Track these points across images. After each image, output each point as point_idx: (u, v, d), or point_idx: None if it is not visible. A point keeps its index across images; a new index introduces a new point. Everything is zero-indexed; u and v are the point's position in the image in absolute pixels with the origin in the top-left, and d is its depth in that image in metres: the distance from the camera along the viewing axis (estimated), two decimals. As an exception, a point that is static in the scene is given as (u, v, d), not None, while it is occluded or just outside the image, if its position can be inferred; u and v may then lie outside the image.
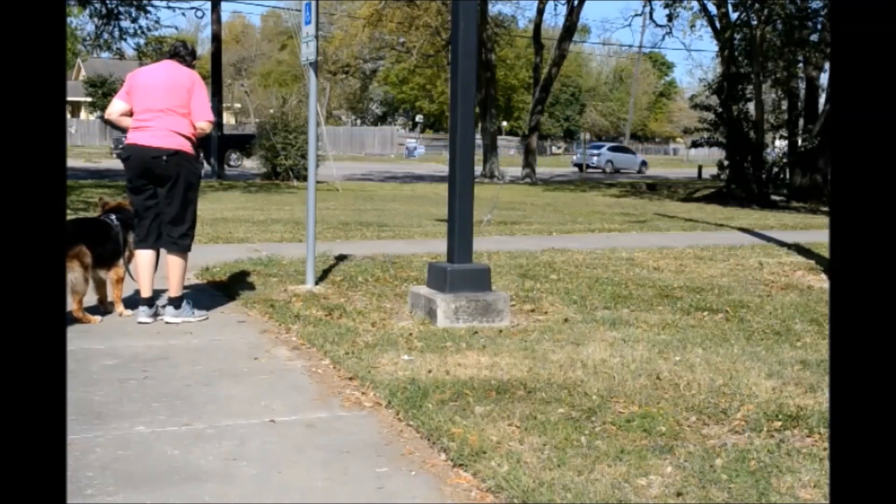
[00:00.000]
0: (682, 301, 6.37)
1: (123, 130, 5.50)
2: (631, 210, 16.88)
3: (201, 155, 5.54)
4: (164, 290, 5.58)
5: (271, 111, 22.66)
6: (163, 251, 5.51)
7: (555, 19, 72.83)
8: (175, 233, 5.41)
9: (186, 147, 5.35)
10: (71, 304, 5.18)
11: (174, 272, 5.44)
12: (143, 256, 5.44)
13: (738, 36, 21.66)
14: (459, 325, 5.32)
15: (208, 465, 3.08)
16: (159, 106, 5.30)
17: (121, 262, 5.58)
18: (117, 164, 31.11)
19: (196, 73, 5.55)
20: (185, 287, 5.63)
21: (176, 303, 5.44)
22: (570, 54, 36.39)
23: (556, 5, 47.29)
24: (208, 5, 26.10)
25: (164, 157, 5.25)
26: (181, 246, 5.44)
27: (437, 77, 49.57)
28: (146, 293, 5.42)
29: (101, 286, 5.65)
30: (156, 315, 5.46)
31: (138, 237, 5.47)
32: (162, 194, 5.36)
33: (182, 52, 5.54)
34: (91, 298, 5.55)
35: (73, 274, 5.16)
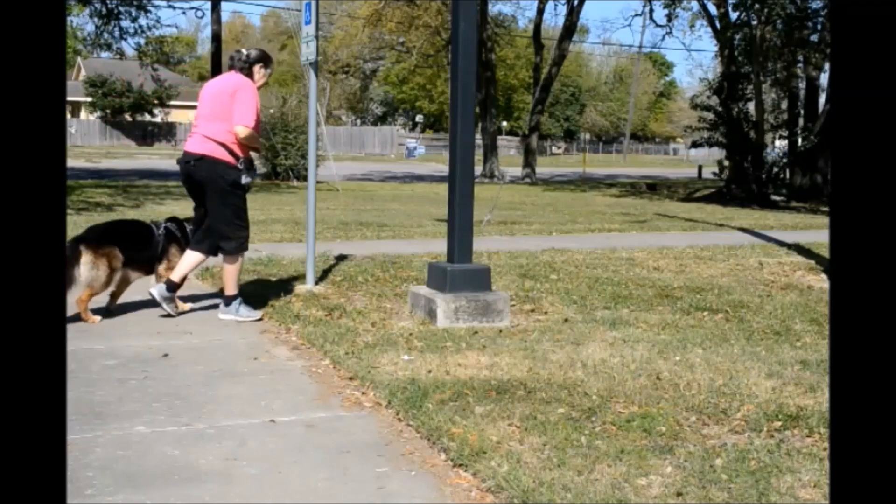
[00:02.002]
0: (682, 301, 6.37)
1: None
2: (631, 210, 16.88)
3: (240, 160, 5.41)
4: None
5: (271, 111, 22.62)
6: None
7: (555, 19, 72.91)
8: (218, 238, 5.52)
9: (216, 153, 5.36)
10: (80, 295, 5.20)
11: (224, 274, 5.61)
12: (189, 254, 5.60)
13: (738, 36, 21.64)
14: (459, 325, 5.32)
15: (208, 465, 3.08)
16: (203, 113, 5.46)
17: (159, 267, 5.67)
18: (117, 165, 31.11)
19: (244, 79, 5.49)
20: (235, 286, 5.64)
21: (227, 301, 5.58)
22: (570, 54, 36.38)
23: (556, 5, 47.31)
24: (208, 5, 26.11)
25: (192, 162, 5.38)
26: (226, 249, 5.53)
27: (437, 77, 49.60)
28: (175, 278, 5.51)
29: (122, 285, 5.66)
30: (168, 300, 5.51)
31: (193, 240, 5.66)
32: (203, 199, 5.52)
33: (236, 64, 5.55)
34: (97, 300, 5.54)
35: (97, 272, 5.22)
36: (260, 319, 5.58)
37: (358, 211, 14.35)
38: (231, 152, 5.39)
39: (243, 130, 5.36)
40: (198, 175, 5.40)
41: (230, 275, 5.58)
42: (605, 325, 5.43)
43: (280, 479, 2.98)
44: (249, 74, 5.56)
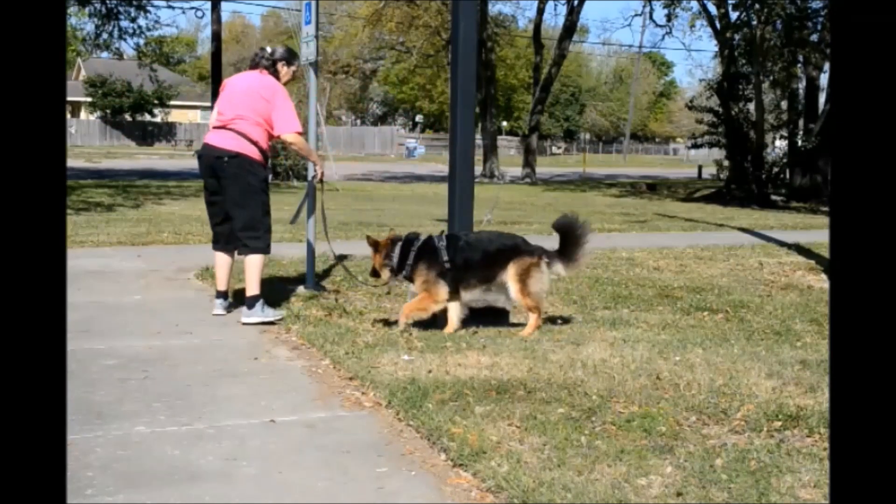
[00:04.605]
0: (682, 301, 6.37)
1: None
2: (631, 210, 16.88)
3: (269, 161, 5.50)
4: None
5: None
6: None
7: (555, 19, 72.67)
8: (243, 235, 5.48)
9: (249, 151, 5.37)
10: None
11: (247, 272, 5.47)
12: (218, 258, 5.68)
13: (738, 36, 21.64)
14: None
15: (208, 465, 3.08)
16: (234, 111, 5.43)
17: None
18: (117, 165, 31.12)
19: (277, 84, 5.55)
20: (260, 289, 5.48)
21: (249, 302, 5.42)
22: (570, 54, 36.39)
23: (556, 5, 47.28)
24: (208, 5, 26.12)
25: (226, 159, 5.38)
26: (251, 248, 5.46)
27: (437, 77, 49.51)
28: (220, 287, 5.67)
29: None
30: (229, 309, 5.64)
31: (212, 240, 5.72)
32: (226, 197, 5.46)
33: (262, 63, 5.58)
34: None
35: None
36: (281, 319, 5.45)
37: (358, 211, 14.35)
38: (262, 152, 5.45)
39: (295, 138, 5.53)
40: (227, 172, 5.38)
41: (254, 274, 5.42)
42: (605, 325, 5.43)
43: (280, 479, 2.98)
44: (276, 71, 5.61)
